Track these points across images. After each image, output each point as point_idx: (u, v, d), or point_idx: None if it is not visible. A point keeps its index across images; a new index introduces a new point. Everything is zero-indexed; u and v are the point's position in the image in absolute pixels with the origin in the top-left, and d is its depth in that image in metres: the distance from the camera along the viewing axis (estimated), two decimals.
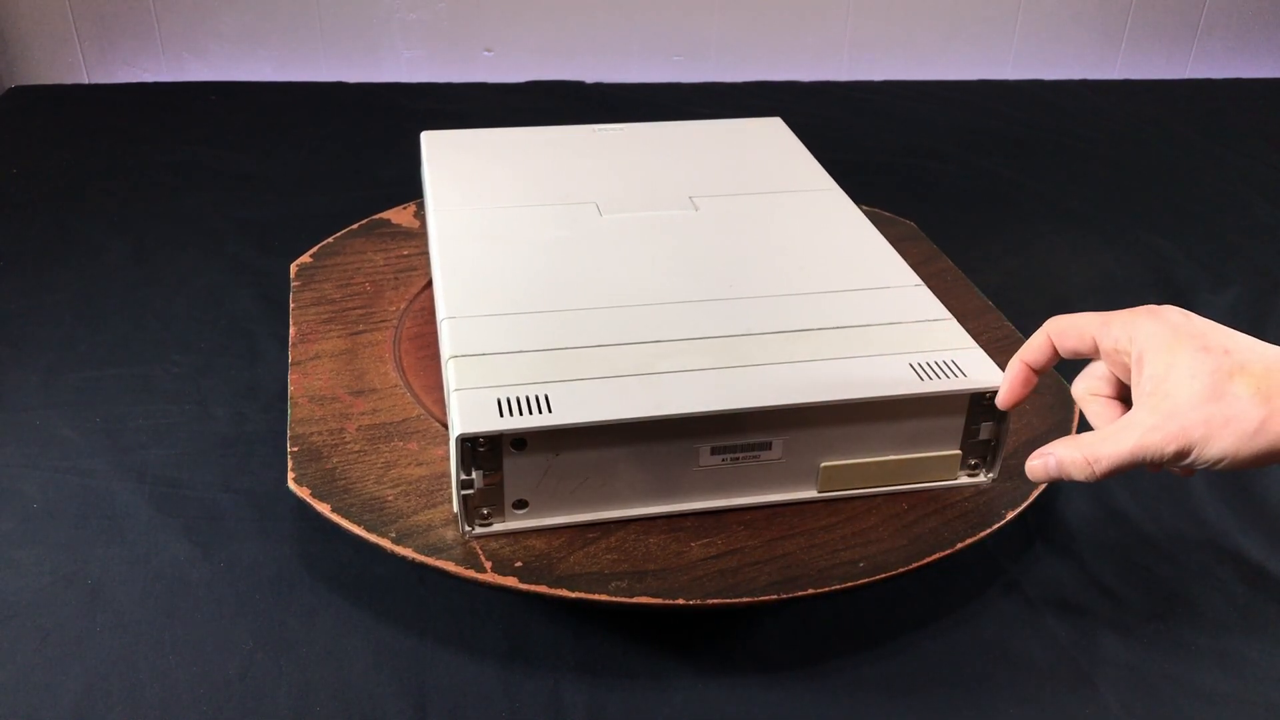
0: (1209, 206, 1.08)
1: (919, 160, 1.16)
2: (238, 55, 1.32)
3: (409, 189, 0.91)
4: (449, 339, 0.58)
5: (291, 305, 0.73)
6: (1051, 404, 0.65)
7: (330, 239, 0.82)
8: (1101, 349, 0.48)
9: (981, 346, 0.59)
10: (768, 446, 0.55)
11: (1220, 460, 0.44)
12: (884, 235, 0.71)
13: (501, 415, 0.52)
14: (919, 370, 0.56)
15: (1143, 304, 0.49)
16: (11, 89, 1.28)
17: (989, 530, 0.56)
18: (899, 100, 1.33)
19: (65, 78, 1.31)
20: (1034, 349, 0.51)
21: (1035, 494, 0.59)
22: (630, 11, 1.33)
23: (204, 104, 1.24)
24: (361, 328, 0.71)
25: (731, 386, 0.55)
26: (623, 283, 0.64)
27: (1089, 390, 0.51)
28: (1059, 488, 0.67)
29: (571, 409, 0.52)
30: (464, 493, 0.53)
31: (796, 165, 0.82)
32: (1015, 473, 0.59)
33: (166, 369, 0.76)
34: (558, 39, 1.34)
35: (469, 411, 0.52)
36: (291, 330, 0.70)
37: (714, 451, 0.55)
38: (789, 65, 1.39)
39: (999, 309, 0.75)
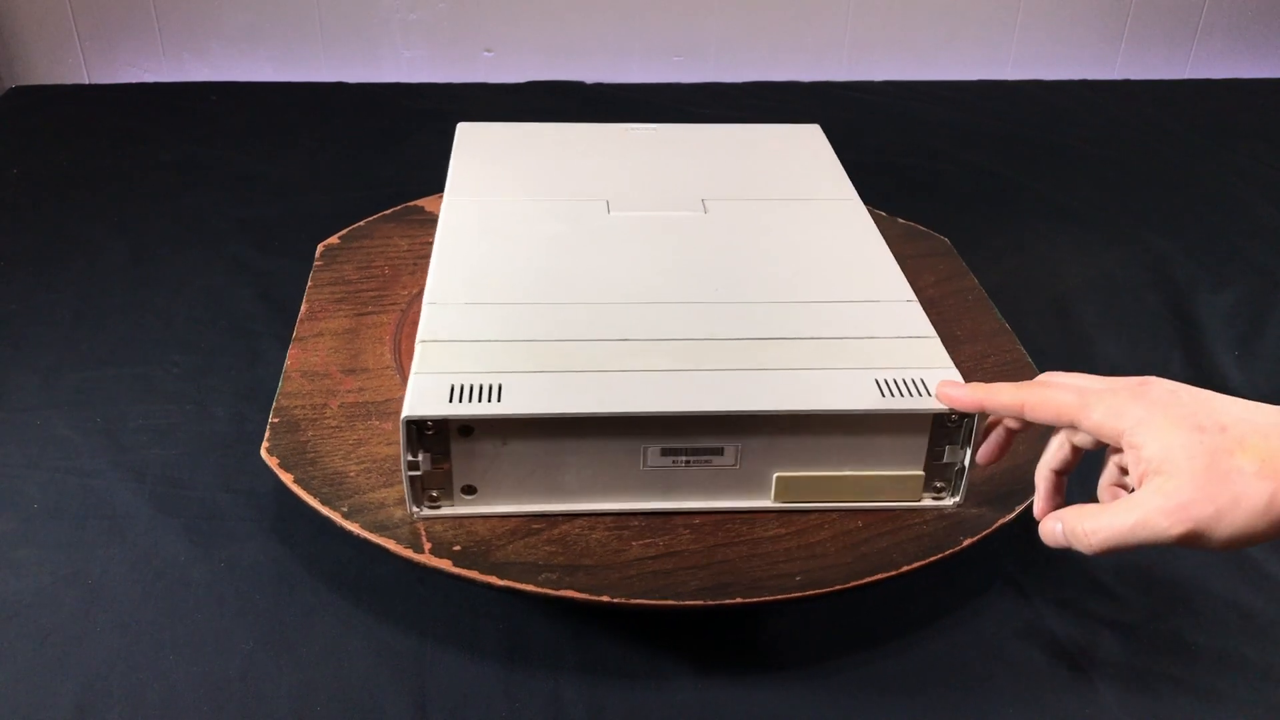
0: (1209, 206, 1.08)
1: (919, 160, 1.16)
2: (238, 55, 1.32)
3: (409, 189, 0.91)
4: (424, 323, 0.60)
5: (309, 284, 0.75)
6: (1044, 432, 0.63)
7: (362, 222, 0.84)
8: (1084, 429, 0.47)
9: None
10: (719, 452, 0.55)
11: (1233, 541, 0.42)
12: (915, 249, 0.69)
13: (451, 401, 0.53)
14: (883, 386, 0.55)
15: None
16: (11, 89, 1.28)
17: (941, 555, 0.55)
18: (899, 100, 1.33)
19: (65, 78, 1.31)
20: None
21: (999, 524, 0.57)
22: (630, 11, 1.33)
23: (204, 104, 1.24)
24: (370, 309, 0.72)
25: (683, 389, 0.54)
26: (609, 280, 0.64)
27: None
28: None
29: (519, 400, 0.53)
30: (410, 474, 0.54)
31: (821, 174, 0.81)
32: (984, 499, 0.58)
33: (166, 369, 0.76)
34: (558, 39, 1.34)
35: (419, 395, 0.54)
36: (303, 307, 0.72)
37: (664, 453, 0.55)
38: (789, 65, 1.39)
39: (1003, 316, 0.75)
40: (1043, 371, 0.68)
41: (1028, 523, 0.64)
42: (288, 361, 0.66)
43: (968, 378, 0.65)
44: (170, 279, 0.88)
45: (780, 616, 0.58)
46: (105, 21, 1.28)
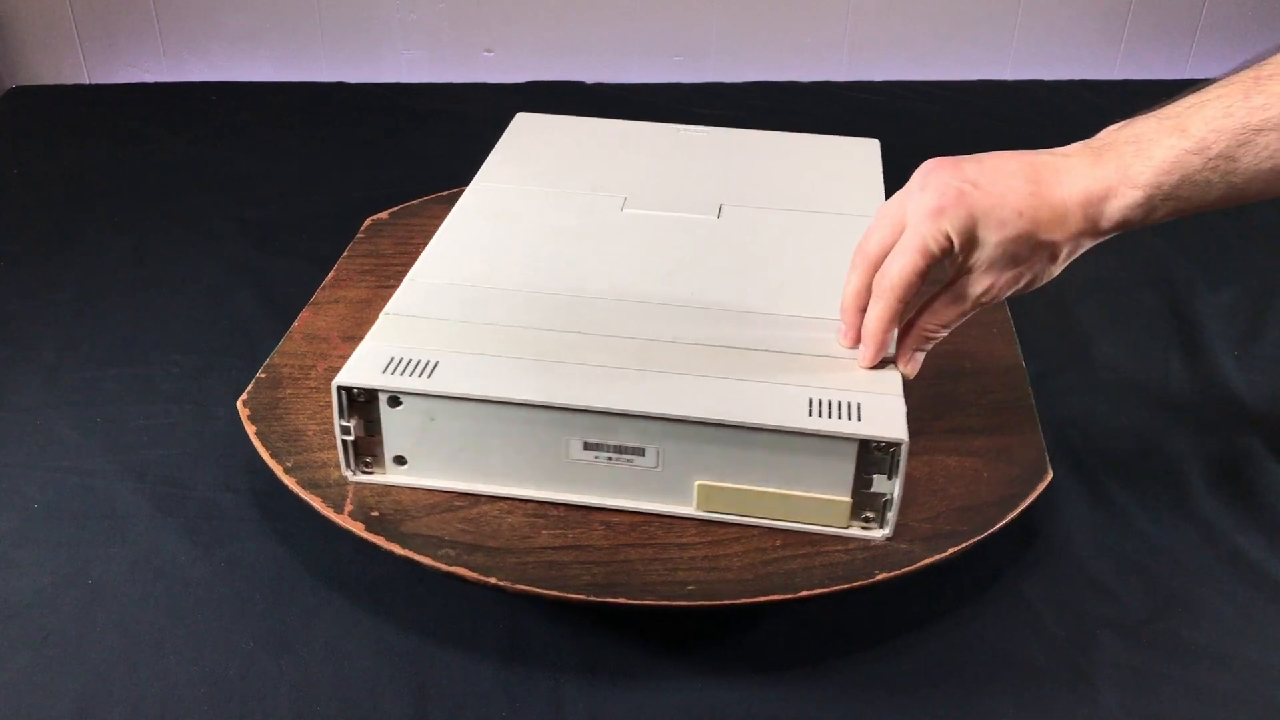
0: None
1: (919, 160, 1.15)
2: (238, 55, 1.32)
3: (410, 189, 0.91)
4: (396, 296, 0.61)
5: (345, 253, 0.77)
6: (1015, 476, 0.60)
7: (415, 201, 0.86)
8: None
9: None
10: (640, 453, 0.55)
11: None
12: None
13: (384, 373, 0.55)
14: (814, 406, 0.54)
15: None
16: (11, 89, 1.28)
17: (848, 586, 0.53)
18: (899, 100, 1.33)
19: (65, 78, 1.31)
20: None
21: (922, 564, 0.54)
22: (630, 11, 1.33)
23: (204, 104, 1.24)
24: (392, 283, 0.72)
25: (610, 386, 0.55)
26: (589, 274, 0.65)
27: None
28: (1056, 491, 0.66)
29: (448, 379, 0.55)
30: (343, 438, 0.56)
31: (855, 188, 0.78)
32: (917, 536, 0.56)
33: (166, 369, 0.76)
34: (558, 39, 1.34)
35: (355, 363, 0.56)
36: (330, 275, 0.74)
37: (585, 447, 0.55)
38: (789, 65, 1.39)
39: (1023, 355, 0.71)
40: (1039, 413, 0.66)
41: (1028, 523, 0.64)
42: (296, 323, 0.69)
43: (961, 413, 0.63)
44: (170, 279, 0.88)
45: (780, 617, 0.58)
46: (105, 21, 1.28)
